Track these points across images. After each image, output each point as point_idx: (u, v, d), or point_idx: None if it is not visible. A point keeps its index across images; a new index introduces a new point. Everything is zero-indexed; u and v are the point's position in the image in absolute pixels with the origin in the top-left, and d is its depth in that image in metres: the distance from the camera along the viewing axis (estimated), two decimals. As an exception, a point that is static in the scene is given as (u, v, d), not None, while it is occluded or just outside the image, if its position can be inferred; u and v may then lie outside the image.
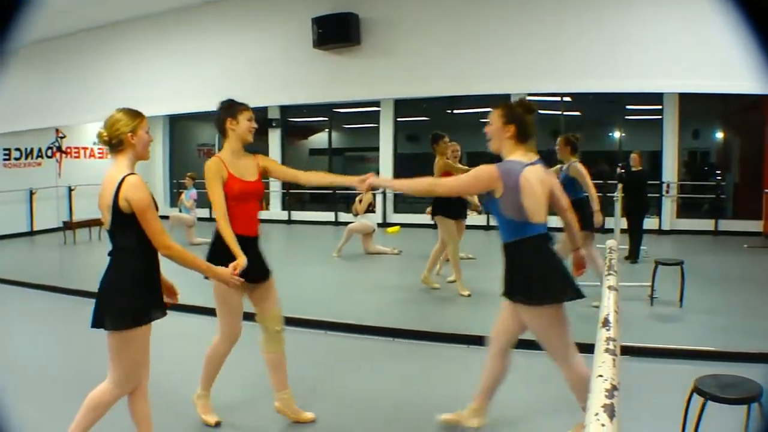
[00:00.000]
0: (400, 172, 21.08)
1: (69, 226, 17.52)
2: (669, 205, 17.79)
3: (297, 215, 21.44)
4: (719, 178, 18.27)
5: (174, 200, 22.77)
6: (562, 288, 4.84)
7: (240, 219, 5.41)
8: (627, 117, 19.87)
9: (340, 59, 9.74)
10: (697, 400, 4.23)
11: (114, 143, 4.46)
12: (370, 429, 5.80)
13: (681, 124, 17.80)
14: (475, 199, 11.47)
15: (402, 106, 21.10)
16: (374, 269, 13.35)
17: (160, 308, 4.60)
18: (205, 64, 11.13)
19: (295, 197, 22.27)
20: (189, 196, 16.60)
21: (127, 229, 4.31)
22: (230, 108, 5.76)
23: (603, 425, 1.66)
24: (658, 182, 17.41)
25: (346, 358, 7.94)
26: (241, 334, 5.58)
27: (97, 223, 18.09)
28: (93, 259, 15.64)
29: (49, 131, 19.28)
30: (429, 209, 11.39)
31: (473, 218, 17.88)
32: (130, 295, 4.32)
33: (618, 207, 11.56)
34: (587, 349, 6.91)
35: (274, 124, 22.54)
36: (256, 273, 5.33)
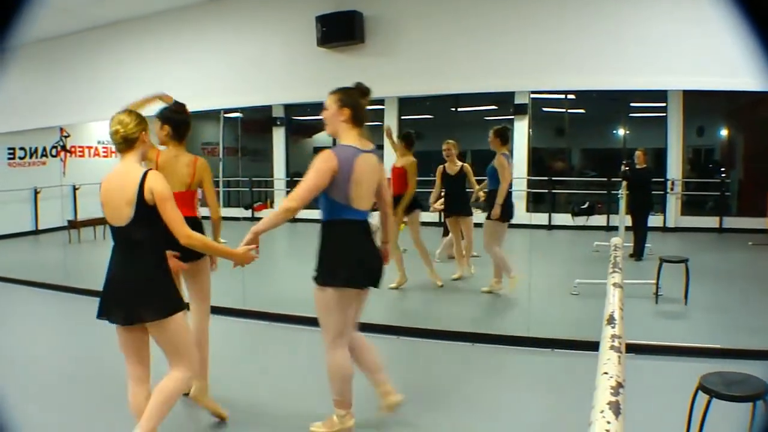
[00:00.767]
0: (404, 169, 21.09)
1: (74, 225, 17.52)
2: (673, 203, 17.77)
3: (301, 213, 21.34)
4: (724, 175, 18.25)
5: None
6: (350, 276, 4.98)
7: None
8: (631, 114, 19.83)
9: (344, 57, 9.73)
10: (702, 397, 4.23)
11: (130, 140, 4.58)
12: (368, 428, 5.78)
13: (685, 121, 17.79)
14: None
15: (406, 104, 21.11)
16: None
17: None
18: (209, 63, 11.12)
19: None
20: (193, 194, 16.61)
21: (148, 221, 4.45)
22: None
23: (608, 422, 1.66)
24: (662, 179, 17.40)
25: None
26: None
27: (101, 222, 18.07)
28: (98, 258, 15.63)
29: (54, 130, 19.26)
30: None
31: (477, 217, 17.92)
32: (165, 284, 4.57)
33: (622, 204, 11.55)
34: (592, 346, 6.95)
35: (278, 123, 22.55)
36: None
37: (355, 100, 5.12)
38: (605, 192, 17.68)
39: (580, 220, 15.98)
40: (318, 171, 4.84)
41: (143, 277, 4.50)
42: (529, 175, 19.13)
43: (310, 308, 8.49)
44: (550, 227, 17.81)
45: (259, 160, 22.87)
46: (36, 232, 18.87)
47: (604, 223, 17.04)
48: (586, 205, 16.43)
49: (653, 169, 15.11)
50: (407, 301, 10.65)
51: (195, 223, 5.43)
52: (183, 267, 5.31)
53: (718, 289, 10.56)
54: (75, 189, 19.39)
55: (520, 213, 18.10)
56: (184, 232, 4.45)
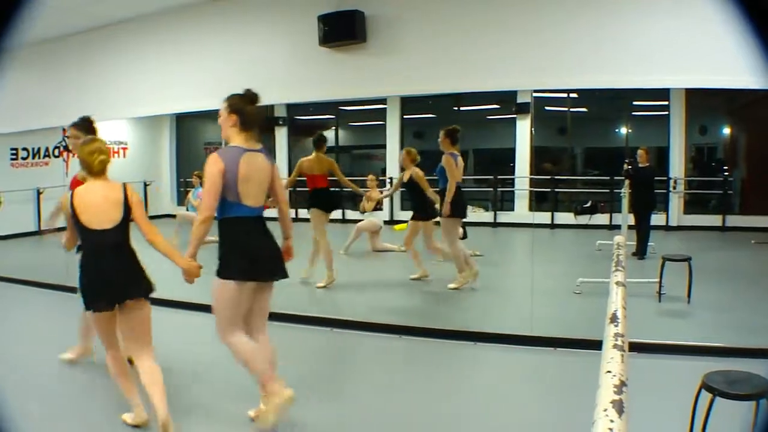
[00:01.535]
0: (406, 168, 21.11)
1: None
2: (676, 201, 17.75)
3: (304, 213, 21.35)
4: (726, 173, 18.21)
5: (181, 199, 22.76)
6: (243, 270, 5.34)
7: None
8: (634, 113, 19.82)
9: (346, 57, 9.74)
10: (706, 396, 4.23)
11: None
12: (373, 428, 5.78)
13: (688, 119, 17.78)
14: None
15: (408, 103, 21.12)
16: (381, 267, 13.36)
17: None
18: (212, 63, 11.14)
19: (302, 195, 22.19)
20: (196, 194, 16.57)
21: (128, 223, 5.57)
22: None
23: (612, 421, 1.65)
24: (665, 178, 17.38)
25: (352, 356, 7.96)
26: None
27: (104, 222, 18.10)
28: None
29: (57, 131, 19.25)
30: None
31: (481, 216, 17.93)
32: (143, 271, 5.76)
33: (625, 203, 11.54)
34: (594, 345, 6.96)
35: (280, 122, 22.55)
36: None
37: (242, 106, 5.47)
38: (608, 191, 17.66)
39: (583, 219, 15.96)
40: (210, 175, 5.21)
41: (129, 265, 5.55)
42: (531, 174, 19.11)
43: (316, 307, 8.54)
44: (552, 226, 17.80)
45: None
46: (38, 232, 18.89)
47: (607, 222, 17.04)
48: (588, 204, 16.43)
49: (656, 167, 15.12)
50: (405, 299, 10.65)
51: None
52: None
53: (721, 287, 10.54)
54: (77, 190, 19.39)
55: (523, 212, 18.15)
56: (153, 231, 5.70)
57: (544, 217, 18.21)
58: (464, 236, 13.11)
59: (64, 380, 7.15)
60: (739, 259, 13.53)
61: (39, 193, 18.80)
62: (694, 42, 7.56)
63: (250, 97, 5.55)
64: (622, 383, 1.92)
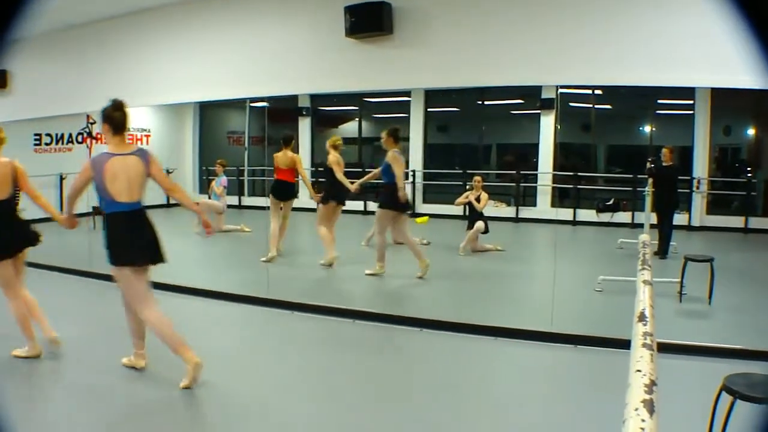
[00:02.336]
0: (430, 162, 21.10)
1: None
2: (699, 201, 17.67)
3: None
4: (750, 175, 18.12)
5: (203, 187, 22.80)
6: (123, 256, 6.34)
7: None
8: (658, 111, 19.72)
9: (372, 48, 9.72)
10: (726, 398, 4.21)
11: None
12: (387, 423, 5.78)
13: (713, 119, 17.68)
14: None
15: (432, 96, 21.10)
16: (402, 259, 13.35)
17: None
18: (236, 52, 11.14)
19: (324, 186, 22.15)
20: (219, 183, 16.61)
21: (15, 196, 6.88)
22: None
23: (643, 420, 1.65)
24: (688, 178, 17.29)
25: (370, 348, 7.96)
26: None
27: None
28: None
29: (80, 117, 19.34)
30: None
31: (502, 210, 17.92)
32: None
33: (648, 202, 11.49)
34: (615, 343, 6.93)
35: (304, 113, 22.58)
36: None
37: (108, 114, 6.31)
38: (631, 189, 17.61)
39: (605, 217, 15.93)
40: (77, 176, 6.46)
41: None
42: (554, 170, 19.06)
43: (338, 299, 8.56)
44: (574, 223, 17.77)
45: (285, 150, 22.97)
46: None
47: (629, 221, 16.99)
48: (611, 202, 16.39)
49: (679, 167, 15.03)
50: (425, 292, 10.66)
51: None
52: None
53: (742, 289, 10.49)
54: (100, 175, 19.46)
55: (545, 208, 18.11)
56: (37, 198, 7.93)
57: (566, 214, 18.19)
58: (486, 231, 13.11)
59: (87, 363, 7.17)
60: (761, 262, 13.46)
61: (62, 178, 18.87)
62: (721, 41, 7.49)
63: (114, 104, 6.34)
64: (653, 382, 1.92)
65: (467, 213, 13.86)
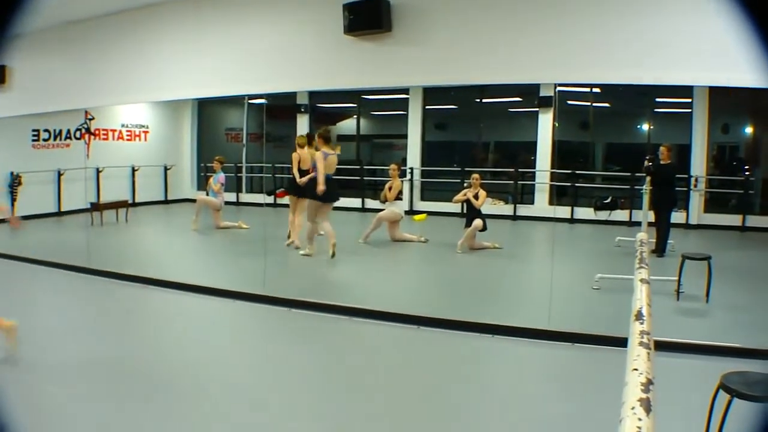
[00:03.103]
0: (427, 159, 21.11)
1: (96, 207, 17.60)
2: (697, 200, 17.66)
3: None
4: (748, 173, 18.12)
5: (201, 184, 22.78)
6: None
7: None
8: (656, 110, 19.71)
9: (370, 46, 9.72)
10: (723, 396, 4.22)
11: None
12: (385, 419, 5.80)
13: (711, 117, 17.67)
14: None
15: (430, 94, 21.11)
16: (400, 257, 13.37)
17: None
18: (235, 49, 11.13)
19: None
20: (217, 179, 16.59)
21: None
22: None
23: (640, 419, 1.65)
24: (686, 176, 17.29)
25: (369, 345, 7.98)
26: None
27: (123, 204, 18.19)
28: (119, 240, 15.77)
29: (79, 113, 19.32)
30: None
31: (500, 208, 17.93)
32: None
33: (645, 200, 11.50)
34: (613, 341, 6.95)
35: (302, 110, 22.56)
36: None
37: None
38: (628, 187, 17.62)
39: (603, 215, 15.93)
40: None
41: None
42: (552, 168, 19.06)
43: (335, 296, 8.61)
44: (572, 221, 17.77)
45: (283, 147, 22.90)
46: (59, 213, 18.96)
47: (627, 219, 17.00)
48: (609, 200, 16.40)
49: (677, 165, 15.02)
50: (422, 290, 10.68)
51: None
52: None
53: (739, 287, 10.49)
54: (98, 171, 19.48)
55: (543, 206, 18.13)
56: None
57: (563, 212, 18.17)
58: (484, 228, 13.13)
59: (85, 359, 7.19)
60: (758, 260, 13.47)
61: (60, 174, 18.87)
62: (719, 40, 7.50)
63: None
64: (649, 381, 1.92)
65: (465, 210, 13.86)
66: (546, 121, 19.19)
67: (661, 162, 12.84)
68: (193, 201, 18.33)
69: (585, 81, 14.65)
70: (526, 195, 19.69)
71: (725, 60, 7.46)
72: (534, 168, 19.46)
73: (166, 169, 22.70)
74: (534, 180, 19.46)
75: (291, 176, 14.26)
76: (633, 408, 1.71)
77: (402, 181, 15.25)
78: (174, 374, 6.70)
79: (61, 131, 19.55)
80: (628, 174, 17.78)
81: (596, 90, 19.01)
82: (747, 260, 13.30)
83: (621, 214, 17.35)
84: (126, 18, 12.37)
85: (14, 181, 18.01)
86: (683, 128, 18.03)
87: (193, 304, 9.76)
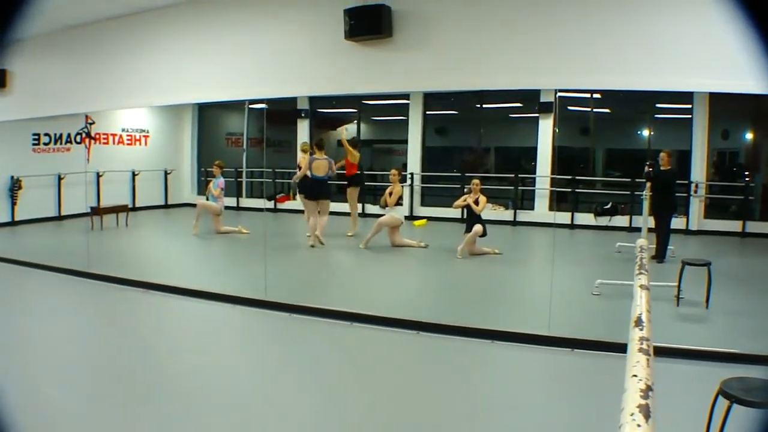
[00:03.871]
0: (428, 165, 21.10)
1: (96, 211, 17.62)
2: (697, 205, 17.65)
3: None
4: (748, 179, 18.11)
5: (201, 188, 22.80)
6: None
7: None
8: (657, 115, 19.68)
9: (371, 51, 9.72)
10: (723, 402, 4.22)
11: None
12: (385, 425, 5.80)
13: (711, 123, 17.66)
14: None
15: (431, 99, 21.12)
16: (401, 262, 13.37)
17: None
18: (235, 54, 11.13)
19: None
20: (217, 184, 16.59)
21: None
22: None
23: (639, 426, 1.66)
24: (686, 182, 17.28)
25: (367, 352, 7.98)
26: None
27: (124, 209, 18.20)
28: (120, 245, 15.76)
29: (79, 117, 19.34)
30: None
31: (500, 214, 17.92)
32: None
33: (646, 206, 11.50)
34: (613, 347, 6.94)
35: (303, 115, 22.56)
36: None
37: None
38: (628, 193, 17.62)
39: (603, 220, 15.93)
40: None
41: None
42: (552, 174, 19.05)
43: (336, 301, 8.61)
44: (572, 226, 17.76)
45: (283, 152, 22.92)
46: (59, 217, 18.97)
47: (627, 224, 17.00)
48: (609, 206, 16.40)
49: (677, 171, 15.01)
50: (421, 295, 10.69)
51: None
52: None
53: (739, 293, 10.48)
54: (99, 176, 19.50)
55: (543, 211, 18.13)
56: None
57: (564, 217, 18.17)
58: (484, 234, 13.13)
59: (85, 363, 7.20)
60: (758, 266, 13.47)
61: (60, 178, 18.90)
62: (720, 46, 7.51)
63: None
64: (649, 387, 1.92)
65: (465, 216, 13.86)
66: (546, 127, 19.20)
67: (662, 168, 12.82)
68: (193, 206, 18.34)
69: (586, 87, 14.69)
70: (526, 201, 19.69)
71: (726, 66, 7.47)
72: (534, 173, 19.48)
73: (166, 173, 22.74)
74: (534, 185, 19.47)
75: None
76: (632, 414, 1.71)
77: (402, 187, 15.25)
78: (173, 379, 6.71)
79: (61, 135, 19.56)
80: (629, 180, 17.79)
81: (597, 96, 19.02)
82: (747, 266, 13.31)
83: (621, 220, 17.34)
84: (126, 22, 12.38)
85: (14, 185, 18.03)
86: (683, 134, 18.03)
87: (193, 309, 9.76)
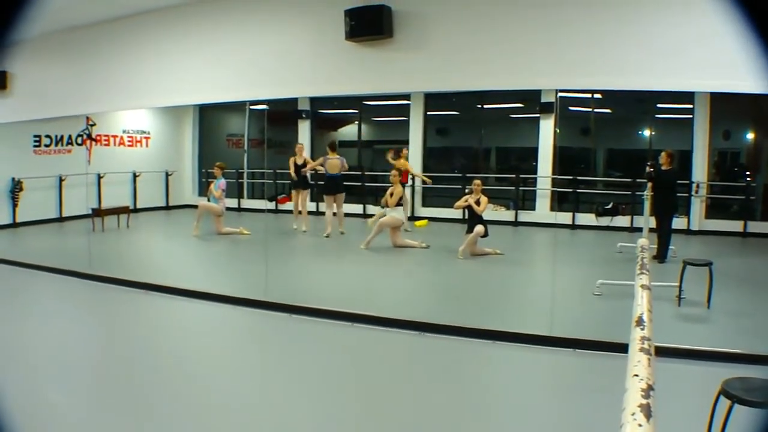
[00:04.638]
0: (429, 165, 21.10)
1: (97, 213, 17.62)
2: (698, 206, 17.64)
3: (324, 207, 21.34)
4: (749, 179, 18.10)
5: (202, 189, 22.80)
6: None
7: None
8: (658, 116, 19.66)
9: (371, 52, 9.71)
10: (724, 402, 4.21)
11: None
12: (387, 425, 5.80)
13: (712, 123, 17.65)
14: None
15: (432, 100, 21.10)
16: (402, 263, 13.36)
17: None
18: (236, 55, 11.12)
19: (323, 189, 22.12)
20: (218, 185, 16.58)
21: None
22: None
23: (640, 425, 1.65)
24: (687, 182, 17.26)
25: (371, 352, 7.97)
26: None
27: (125, 210, 18.20)
28: (121, 246, 15.76)
29: (80, 119, 19.37)
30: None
31: (501, 214, 17.90)
32: None
33: (647, 206, 11.49)
34: (615, 347, 6.94)
35: (303, 116, 22.54)
36: None
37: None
38: (629, 193, 17.60)
39: (604, 221, 15.93)
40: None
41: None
42: (554, 174, 19.04)
43: (337, 302, 8.59)
44: (573, 227, 17.75)
45: (284, 153, 22.94)
46: (60, 219, 18.98)
47: (628, 225, 16.99)
48: (610, 206, 16.39)
49: (678, 171, 15.00)
50: (423, 296, 10.69)
51: None
52: None
53: (741, 293, 10.48)
54: (100, 177, 19.52)
55: (545, 212, 18.13)
56: None
57: (565, 218, 18.16)
58: (485, 234, 13.12)
59: (86, 364, 7.20)
60: (760, 266, 13.46)
61: (61, 180, 18.91)
62: (720, 46, 7.50)
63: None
64: (650, 387, 1.92)
65: (467, 216, 13.85)
66: (547, 127, 19.19)
67: (663, 168, 12.80)
68: (194, 207, 18.34)
69: (587, 87, 14.69)
70: (527, 201, 19.68)
71: (727, 66, 7.46)
72: (535, 174, 19.47)
73: (167, 175, 22.76)
74: (535, 186, 19.47)
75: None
76: (633, 414, 1.71)
77: (403, 187, 15.23)
78: (174, 380, 6.71)
79: (62, 137, 19.57)
80: (630, 180, 17.79)
81: (597, 96, 19.00)
82: (748, 266, 13.30)
83: (622, 220, 17.31)
84: (127, 24, 12.38)
85: (16, 187, 18.03)
86: (684, 134, 18.02)
87: (194, 310, 9.77)
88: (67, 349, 7.77)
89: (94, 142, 20.41)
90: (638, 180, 16.12)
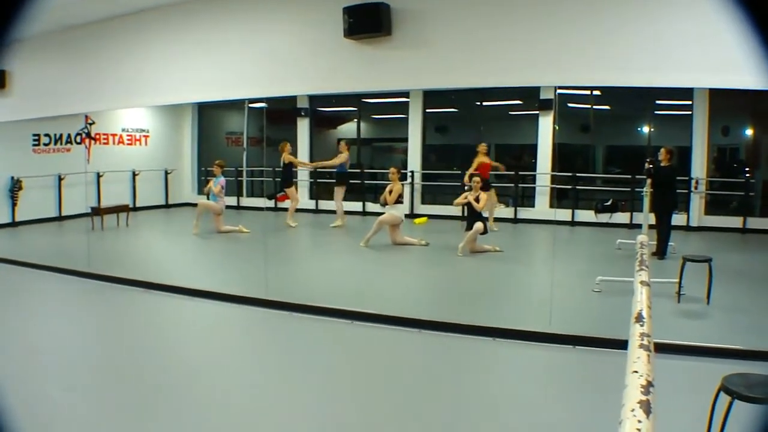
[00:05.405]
0: (428, 163, 21.11)
1: (97, 211, 17.62)
2: (697, 202, 17.63)
3: (324, 204, 21.39)
4: (748, 175, 18.08)
5: (201, 188, 22.78)
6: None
7: None
8: (657, 112, 19.65)
9: (370, 49, 9.70)
10: (724, 398, 4.21)
11: None
12: (387, 422, 5.80)
13: (711, 120, 17.64)
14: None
15: (431, 97, 21.09)
16: (401, 260, 13.36)
17: None
18: (235, 53, 11.11)
19: (323, 186, 22.17)
20: (217, 183, 16.57)
21: None
22: None
23: (639, 421, 1.65)
24: (686, 178, 17.25)
25: (371, 349, 7.97)
26: None
27: (124, 209, 18.19)
28: (120, 245, 15.75)
29: (79, 117, 19.35)
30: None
31: (501, 211, 17.90)
32: None
33: (646, 202, 11.49)
34: (614, 344, 6.94)
35: (302, 114, 22.53)
36: None
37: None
38: (629, 189, 17.61)
39: (604, 218, 15.92)
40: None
41: None
42: (553, 171, 19.04)
43: (336, 299, 8.59)
44: (573, 223, 17.76)
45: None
46: (60, 218, 18.98)
47: (627, 221, 16.98)
48: (609, 203, 16.38)
49: (678, 167, 14.99)
50: (423, 293, 10.69)
51: None
52: None
53: (740, 289, 10.48)
54: (99, 176, 19.51)
55: (544, 208, 18.12)
56: None
57: (564, 215, 18.16)
58: (485, 231, 13.13)
59: (85, 363, 7.20)
60: (759, 262, 13.46)
61: (60, 179, 18.91)
62: (720, 42, 7.50)
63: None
64: (649, 383, 1.92)
65: (466, 214, 13.85)
66: (546, 124, 19.18)
67: (662, 164, 12.80)
68: (194, 205, 18.35)
69: (586, 84, 14.65)
70: (526, 198, 19.68)
71: (726, 62, 7.45)
72: (534, 171, 19.47)
73: (166, 173, 22.77)
74: (535, 183, 19.47)
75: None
76: (633, 410, 1.71)
77: (402, 185, 15.22)
78: (174, 378, 6.72)
79: (61, 136, 19.56)
80: (629, 176, 17.78)
81: (596, 93, 19.00)
82: (748, 262, 13.29)
83: (622, 217, 17.30)
84: (126, 22, 12.37)
85: (15, 186, 18.03)
86: (684, 130, 18.01)
87: (194, 308, 9.76)
88: (66, 348, 7.77)
89: (93, 141, 20.40)
90: (637, 176, 16.12)
